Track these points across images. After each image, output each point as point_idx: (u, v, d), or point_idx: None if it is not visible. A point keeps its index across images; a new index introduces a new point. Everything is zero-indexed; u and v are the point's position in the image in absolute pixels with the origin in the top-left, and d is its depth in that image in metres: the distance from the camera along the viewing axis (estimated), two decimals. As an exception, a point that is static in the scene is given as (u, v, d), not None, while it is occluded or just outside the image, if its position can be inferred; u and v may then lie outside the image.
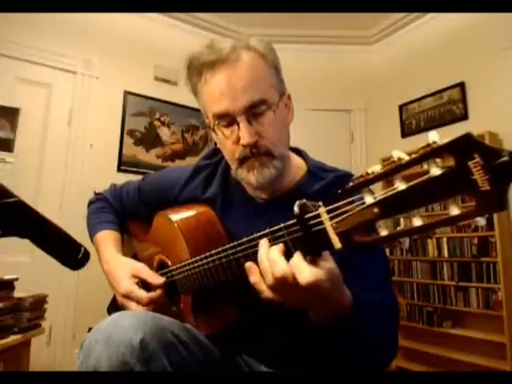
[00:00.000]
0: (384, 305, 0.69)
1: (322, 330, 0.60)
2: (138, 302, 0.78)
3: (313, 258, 0.52)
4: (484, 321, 2.51)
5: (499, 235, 2.37)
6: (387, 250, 2.65)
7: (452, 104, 2.90)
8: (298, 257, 0.51)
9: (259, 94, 0.72)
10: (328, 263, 0.52)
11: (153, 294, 0.78)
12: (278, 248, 0.54)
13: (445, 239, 2.69)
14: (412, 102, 3.18)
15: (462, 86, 2.84)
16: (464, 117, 2.81)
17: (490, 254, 2.44)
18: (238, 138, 0.73)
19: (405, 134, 3.23)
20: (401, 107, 3.27)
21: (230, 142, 0.75)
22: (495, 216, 2.38)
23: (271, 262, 0.53)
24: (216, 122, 0.76)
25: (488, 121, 2.63)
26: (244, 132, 0.72)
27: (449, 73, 2.94)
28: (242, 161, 0.76)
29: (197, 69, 0.76)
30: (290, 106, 0.83)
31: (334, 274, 0.53)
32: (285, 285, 0.52)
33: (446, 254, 2.67)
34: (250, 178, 0.76)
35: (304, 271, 0.50)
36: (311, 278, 0.49)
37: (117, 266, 0.87)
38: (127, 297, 0.80)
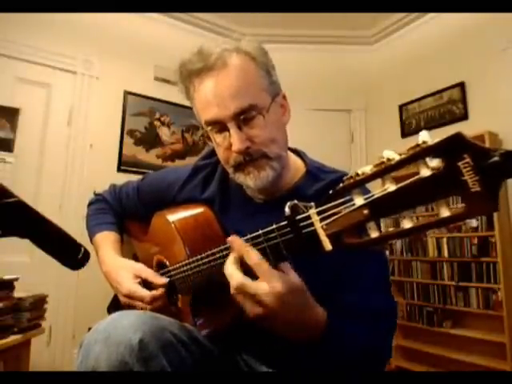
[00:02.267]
0: (381, 310, 0.69)
1: (300, 348, 0.62)
2: (142, 300, 0.78)
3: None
4: (484, 321, 2.51)
5: (499, 235, 2.37)
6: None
7: (452, 104, 2.90)
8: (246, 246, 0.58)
9: (248, 100, 0.71)
10: (288, 273, 0.56)
11: (155, 293, 0.79)
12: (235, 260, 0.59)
13: (445, 239, 2.69)
14: (412, 102, 3.18)
15: (462, 86, 2.84)
16: (464, 117, 2.81)
17: (490, 254, 2.44)
18: (231, 145, 0.73)
19: (405, 134, 3.23)
20: (401, 107, 3.27)
21: (223, 148, 0.75)
22: (495, 216, 2.38)
23: (229, 274, 0.59)
24: (209, 129, 0.76)
25: (488, 121, 2.63)
26: (235, 139, 0.71)
27: (449, 73, 2.94)
28: (237, 167, 0.76)
29: (186, 77, 0.76)
30: (286, 106, 0.82)
31: (290, 282, 0.56)
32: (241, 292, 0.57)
33: (445, 253, 2.67)
34: (248, 181, 0.76)
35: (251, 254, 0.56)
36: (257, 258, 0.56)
37: (117, 267, 0.87)
38: (130, 297, 0.80)
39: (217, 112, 0.72)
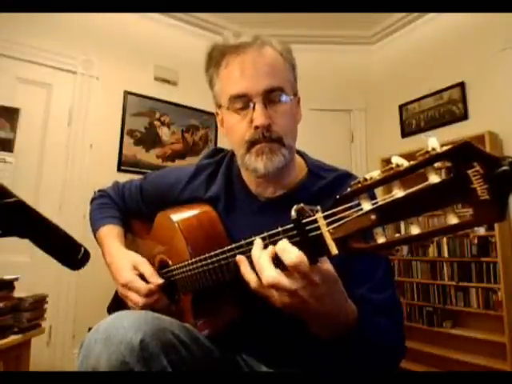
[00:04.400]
0: (391, 304, 0.70)
1: (329, 344, 0.60)
2: (137, 292, 0.78)
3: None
4: (484, 321, 2.51)
5: (499, 235, 2.37)
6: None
7: (452, 104, 2.90)
8: (284, 242, 0.52)
9: (278, 82, 0.74)
10: (323, 264, 0.53)
11: (152, 286, 0.79)
12: (268, 253, 0.54)
13: (445, 239, 2.69)
14: (412, 101, 3.18)
15: (462, 85, 2.84)
16: (464, 117, 2.81)
17: (489, 254, 2.44)
18: (251, 121, 0.73)
19: (405, 134, 3.23)
20: (401, 107, 3.27)
21: (243, 123, 0.75)
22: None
23: (261, 267, 0.53)
24: (231, 104, 0.76)
25: (488, 121, 2.63)
26: (259, 114, 0.72)
27: (449, 73, 2.94)
28: (251, 144, 0.75)
29: (220, 52, 0.77)
30: (299, 109, 0.85)
31: (326, 273, 0.53)
32: (275, 288, 0.52)
33: (446, 254, 2.67)
34: (257, 164, 0.75)
35: (289, 253, 0.50)
36: (296, 259, 0.49)
37: (119, 257, 0.87)
38: (127, 287, 0.80)
39: (248, 85, 0.73)
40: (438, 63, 3.04)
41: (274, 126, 0.74)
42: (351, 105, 3.54)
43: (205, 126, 3.23)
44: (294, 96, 0.80)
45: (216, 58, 0.78)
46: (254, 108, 0.73)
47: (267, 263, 0.53)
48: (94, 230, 1.00)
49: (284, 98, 0.75)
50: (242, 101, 0.75)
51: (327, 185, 0.79)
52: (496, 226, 2.38)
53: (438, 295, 2.71)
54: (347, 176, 0.81)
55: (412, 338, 2.83)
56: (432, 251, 2.76)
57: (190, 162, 0.93)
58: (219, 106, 0.81)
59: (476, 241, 2.52)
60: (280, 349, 0.77)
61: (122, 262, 0.85)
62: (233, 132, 0.79)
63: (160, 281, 0.80)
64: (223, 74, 0.77)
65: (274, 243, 0.55)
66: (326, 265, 0.53)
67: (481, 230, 2.51)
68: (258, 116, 0.72)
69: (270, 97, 0.74)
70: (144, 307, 0.77)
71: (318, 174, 0.82)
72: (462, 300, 2.57)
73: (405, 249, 2.96)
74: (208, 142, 3.27)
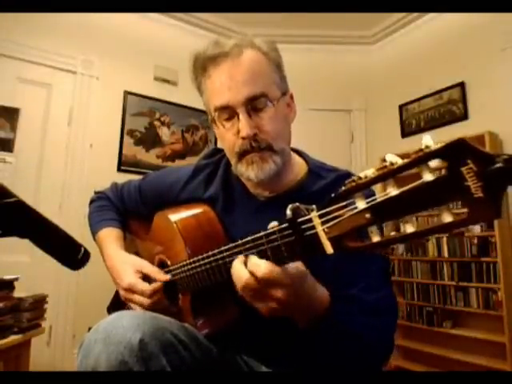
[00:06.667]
0: (383, 304, 0.69)
1: (306, 332, 0.62)
2: (142, 293, 0.79)
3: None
4: (484, 321, 2.51)
5: (499, 235, 2.37)
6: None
7: (452, 104, 2.90)
8: (253, 257, 0.57)
9: (260, 88, 0.73)
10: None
11: (155, 286, 0.79)
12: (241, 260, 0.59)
13: (445, 239, 2.69)
14: (412, 102, 3.18)
15: (462, 85, 2.84)
16: (464, 117, 2.81)
17: (489, 254, 2.44)
18: (238, 131, 0.73)
19: (405, 134, 3.23)
20: (401, 107, 3.27)
21: (230, 134, 0.75)
22: (495, 216, 2.37)
23: (237, 276, 0.58)
24: (217, 116, 0.76)
25: (488, 121, 2.63)
26: (243, 124, 0.72)
27: (449, 73, 2.93)
28: (241, 155, 0.75)
29: (201, 64, 0.77)
30: (292, 106, 0.84)
31: (293, 271, 0.56)
32: (249, 290, 0.56)
33: (446, 254, 2.67)
34: (249, 173, 0.76)
35: (259, 266, 0.55)
36: (266, 270, 0.54)
37: (120, 261, 0.87)
38: (130, 290, 0.81)
39: (229, 97, 0.73)
40: (438, 63, 3.04)
41: (262, 133, 0.74)
42: (351, 105, 3.54)
43: (205, 125, 3.23)
44: (283, 95, 0.79)
45: (199, 69, 0.78)
46: (238, 118, 0.73)
47: (242, 269, 0.57)
48: (93, 233, 1.00)
49: (268, 103, 0.74)
50: (227, 112, 0.74)
51: (328, 185, 0.79)
52: (496, 225, 2.38)
53: (438, 295, 2.71)
54: (347, 176, 0.80)
55: (412, 337, 2.83)
56: (432, 251, 2.76)
57: (189, 162, 0.93)
58: (210, 114, 0.81)
59: (476, 241, 2.52)
60: (279, 348, 0.77)
61: (123, 267, 0.85)
62: (223, 142, 0.80)
63: (167, 276, 0.81)
64: (208, 83, 0.77)
65: (270, 242, 0.56)
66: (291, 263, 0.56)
67: (476, 229, 2.51)
68: (243, 127, 0.72)
69: (254, 104, 0.73)
70: (149, 307, 0.78)
71: (319, 174, 0.82)
72: (462, 300, 2.57)
73: (401, 248, 2.96)
74: (208, 142, 3.27)
